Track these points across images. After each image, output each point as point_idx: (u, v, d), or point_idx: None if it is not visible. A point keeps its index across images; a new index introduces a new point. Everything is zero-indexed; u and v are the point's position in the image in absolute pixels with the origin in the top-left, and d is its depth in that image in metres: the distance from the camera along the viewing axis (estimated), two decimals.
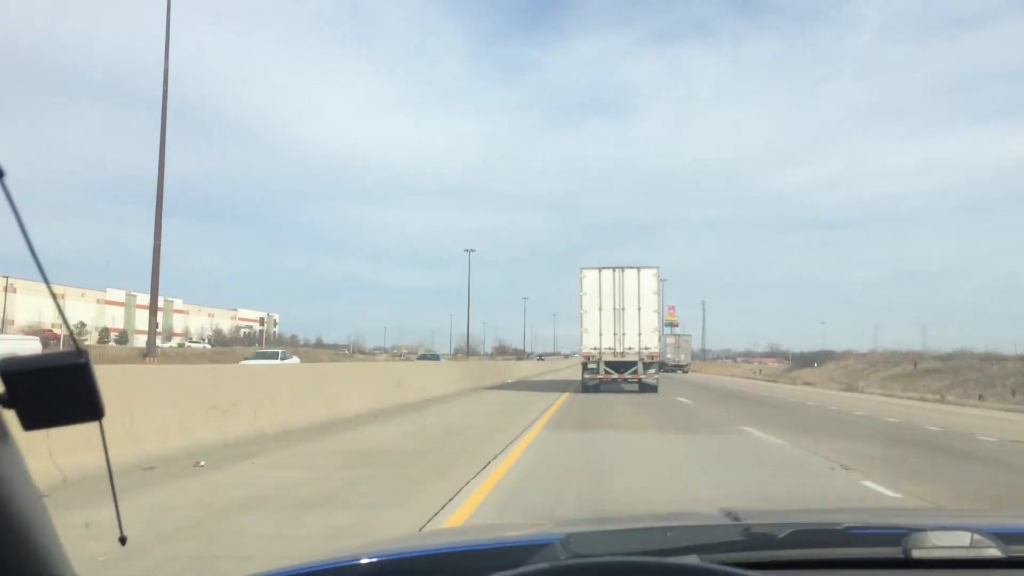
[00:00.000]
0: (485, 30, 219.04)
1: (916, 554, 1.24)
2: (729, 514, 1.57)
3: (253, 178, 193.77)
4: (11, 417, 0.65)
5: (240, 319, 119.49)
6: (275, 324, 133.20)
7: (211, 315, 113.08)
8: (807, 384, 43.01)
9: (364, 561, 1.32)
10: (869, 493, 7.16)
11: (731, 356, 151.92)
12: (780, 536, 1.29)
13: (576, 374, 33.97)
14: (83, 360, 0.65)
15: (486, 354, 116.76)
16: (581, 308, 24.82)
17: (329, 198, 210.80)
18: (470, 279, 75.14)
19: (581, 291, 24.88)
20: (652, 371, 24.74)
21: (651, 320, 24.60)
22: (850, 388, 36.98)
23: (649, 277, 24.78)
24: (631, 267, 25.02)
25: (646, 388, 24.67)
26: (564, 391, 25.99)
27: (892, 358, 45.47)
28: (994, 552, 1.25)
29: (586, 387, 24.82)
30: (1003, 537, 1.28)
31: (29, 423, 0.65)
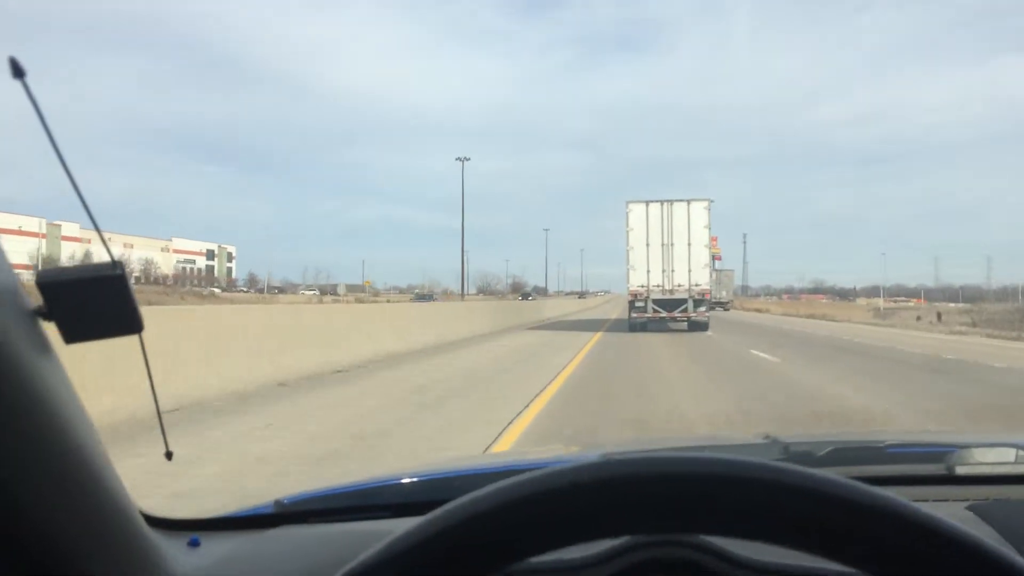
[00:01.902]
0: None
1: (960, 470, 1.22)
2: (767, 436, 1.50)
3: (268, 119, 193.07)
4: (52, 332, 0.62)
5: (177, 251, 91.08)
6: (230, 259, 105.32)
7: (128, 245, 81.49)
8: None
9: (406, 481, 1.35)
10: None
11: (772, 293, 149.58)
12: (820, 454, 1.27)
13: (605, 313, 32.59)
14: (119, 271, 0.63)
15: (499, 293, 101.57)
16: (627, 244, 23.65)
17: (346, 140, 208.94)
18: (463, 196, 50.95)
19: (627, 226, 23.68)
20: (702, 309, 23.63)
21: (701, 256, 23.36)
22: None
23: (699, 210, 23.44)
24: (680, 200, 23.69)
25: (696, 327, 23.61)
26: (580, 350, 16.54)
27: None
28: None
29: (633, 326, 23.85)
30: None
31: (70, 336, 0.63)
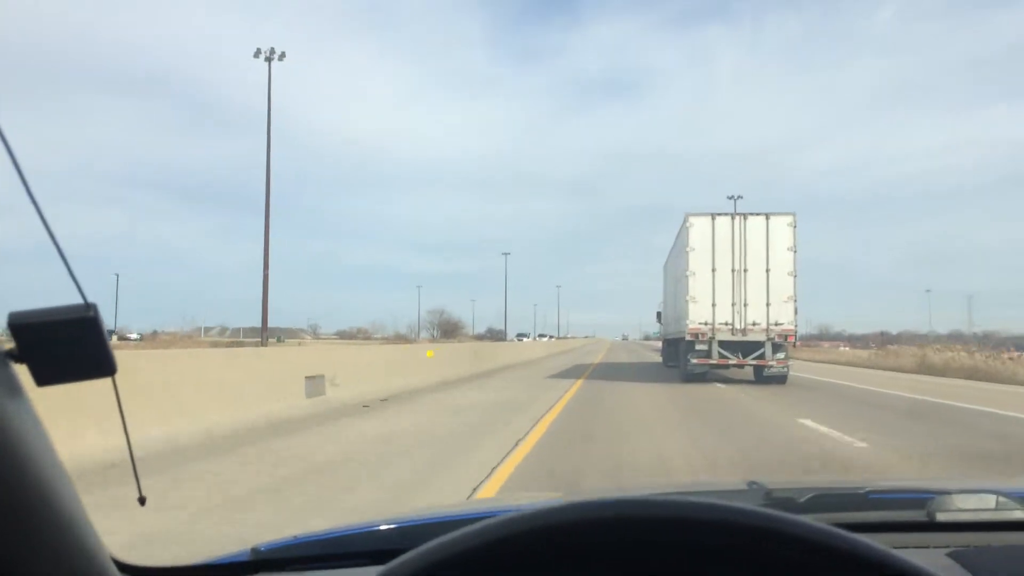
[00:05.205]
0: (503, 16, 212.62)
1: (940, 517, 1.19)
2: (750, 483, 1.48)
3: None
4: (23, 374, 0.61)
5: None
6: None
7: None
8: None
9: (383, 527, 1.32)
10: None
11: None
12: (801, 500, 1.26)
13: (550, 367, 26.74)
14: (92, 314, 0.62)
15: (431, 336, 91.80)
16: (687, 269, 18.27)
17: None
18: (270, 109, 35.58)
19: (687, 246, 18.28)
20: (781, 356, 18.10)
21: (784, 286, 17.88)
22: None
23: (782, 227, 18.02)
24: (756, 214, 18.32)
25: (771, 379, 18.10)
26: None
27: None
28: (1020, 514, 1.21)
29: (689, 375, 18.39)
30: None
31: (42, 379, 0.62)
